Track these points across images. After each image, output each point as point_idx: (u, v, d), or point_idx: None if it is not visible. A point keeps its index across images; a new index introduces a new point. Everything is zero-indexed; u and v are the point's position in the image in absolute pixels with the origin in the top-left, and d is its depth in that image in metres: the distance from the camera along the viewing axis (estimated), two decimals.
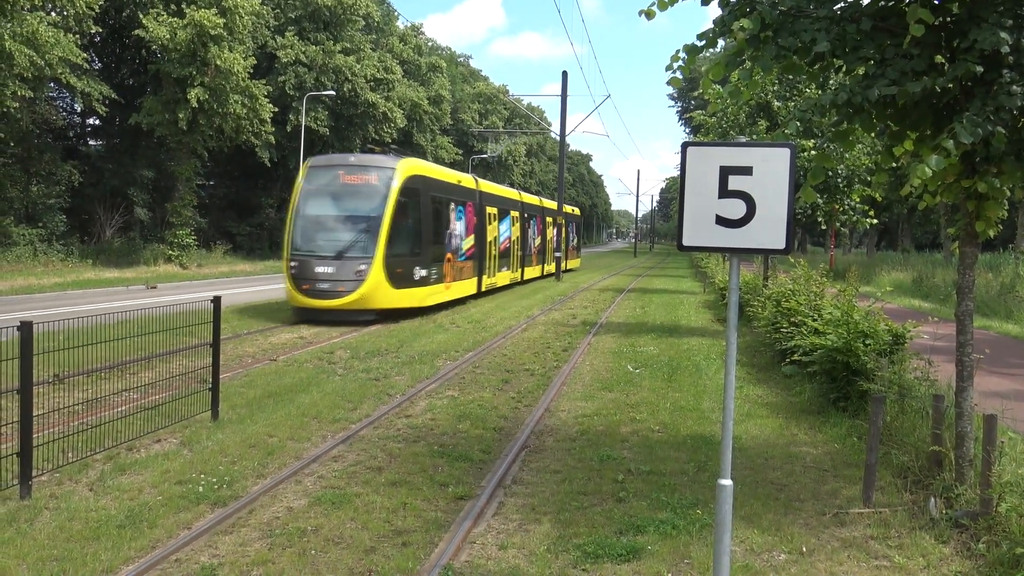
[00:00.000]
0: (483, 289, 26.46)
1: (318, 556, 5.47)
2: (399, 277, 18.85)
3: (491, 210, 27.61)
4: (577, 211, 50.67)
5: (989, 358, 10.28)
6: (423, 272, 20.11)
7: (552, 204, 41.94)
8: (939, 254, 42.03)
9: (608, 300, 26.94)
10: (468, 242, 24.58)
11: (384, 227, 18.30)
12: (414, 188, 19.70)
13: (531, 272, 35.19)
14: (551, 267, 39.56)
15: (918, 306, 24.36)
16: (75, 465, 7.17)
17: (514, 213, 31.36)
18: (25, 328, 6.37)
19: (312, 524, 6.02)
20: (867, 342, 9.32)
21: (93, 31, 33.25)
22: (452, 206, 23.16)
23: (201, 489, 6.63)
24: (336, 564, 5.35)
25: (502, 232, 29.27)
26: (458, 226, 23.62)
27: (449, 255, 22.38)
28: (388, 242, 18.31)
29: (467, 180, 25.76)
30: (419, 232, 20.13)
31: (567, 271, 43.30)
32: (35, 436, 6.58)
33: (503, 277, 29.44)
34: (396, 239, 18.75)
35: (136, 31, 33.75)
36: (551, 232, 39.96)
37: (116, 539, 5.60)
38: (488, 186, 28.69)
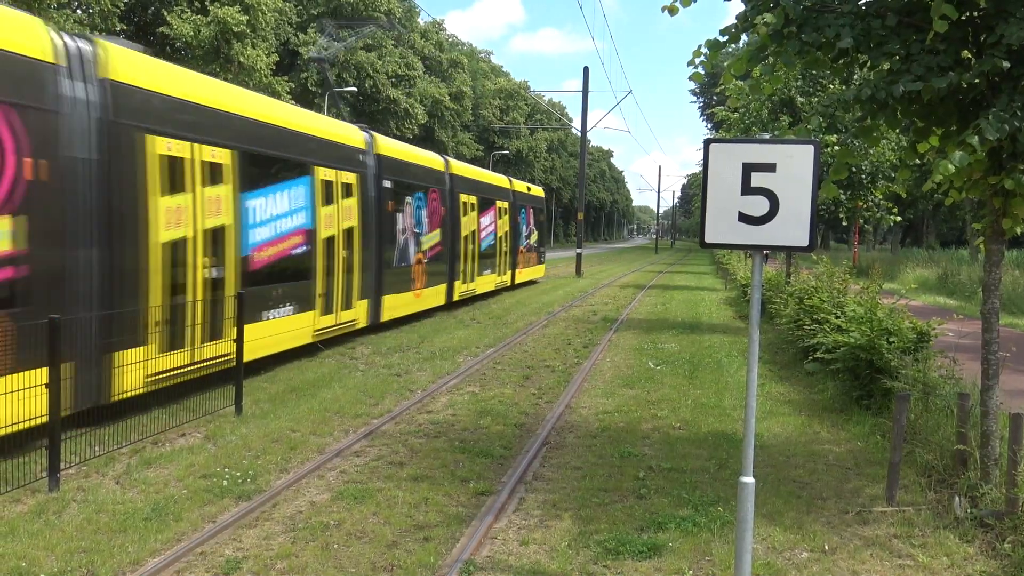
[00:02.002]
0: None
1: (341, 550, 5.52)
2: None
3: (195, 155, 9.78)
4: (538, 192, 32.67)
5: (1016, 356, 10.17)
6: None
7: (484, 174, 25.39)
8: (965, 251, 41.60)
9: (629, 297, 26.87)
10: None
11: None
12: None
13: (413, 303, 18.02)
14: (479, 284, 23.36)
15: (943, 303, 24.12)
16: (102, 458, 7.28)
17: (347, 177, 14.13)
18: (53, 323, 6.47)
19: (335, 518, 6.07)
20: (891, 340, 9.25)
21: (118, 28, 33.61)
22: None
23: (225, 483, 6.71)
24: (359, 558, 5.39)
25: (275, 215, 11.82)
26: None
27: None
28: None
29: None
30: None
31: (522, 284, 29.45)
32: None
33: (277, 334, 11.84)
34: None
35: (161, 28, 34.11)
36: (480, 222, 23.22)
37: (142, 531, 5.68)
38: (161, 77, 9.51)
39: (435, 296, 19.66)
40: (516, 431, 8.81)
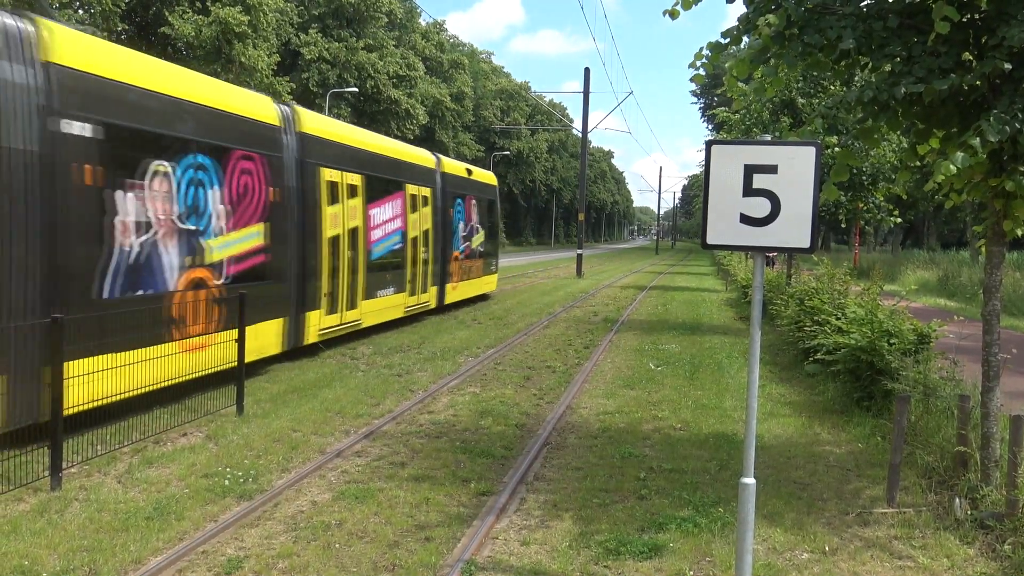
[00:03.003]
0: None
1: (342, 550, 5.53)
2: None
3: None
4: (485, 177, 24.22)
5: (1016, 358, 10.18)
6: None
7: (375, 143, 16.21)
8: (965, 252, 41.59)
9: (630, 297, 26.88)
10: None
11: None
12: None
13: (180, 366, 9.10)
14: (369, 312, 15.14)
15: (944, 305, 24.12)
16: (104, 458, 7.29)
17: None
18: (55, 323, 6.48)
19: (336, 518, 6.08)
20: (892, 341, 9.26)
21: (120, 28, 33.65)
22: None
23: (227, 482, 6.72)
24: (360, 558, 5.40)
25: None
26: None
27: None
28: None
29: None
30: None
31: (458, 304, 21.32)
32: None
33: None
34: None
35: (162, 28, 34.12)
36: (370, 215, 15.04)
37: (144, 530, 5.69)
38: None
39: (258, 342, 10.92)
40: (517, 431, 8.82)
